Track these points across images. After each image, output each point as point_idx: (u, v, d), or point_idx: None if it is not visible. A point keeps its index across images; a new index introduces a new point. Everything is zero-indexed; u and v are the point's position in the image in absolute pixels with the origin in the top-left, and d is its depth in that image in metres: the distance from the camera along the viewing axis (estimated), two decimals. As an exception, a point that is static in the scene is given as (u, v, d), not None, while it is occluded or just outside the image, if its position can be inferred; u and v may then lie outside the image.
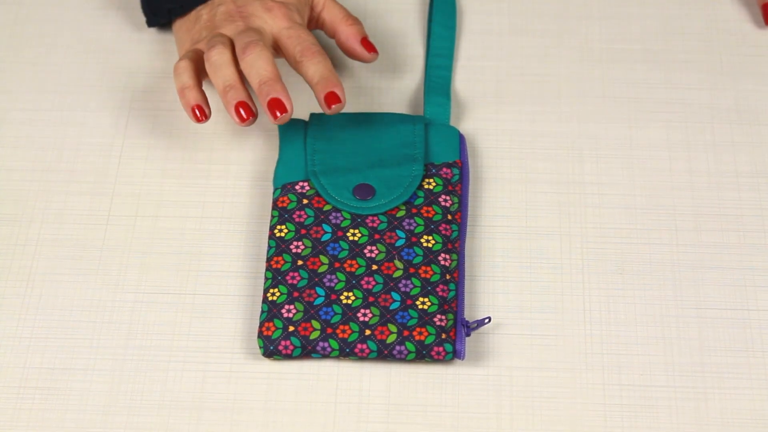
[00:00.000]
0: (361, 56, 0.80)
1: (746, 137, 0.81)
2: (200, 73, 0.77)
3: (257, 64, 0.73)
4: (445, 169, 0.77)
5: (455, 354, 0.70)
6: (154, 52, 0.85)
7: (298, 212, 0.75)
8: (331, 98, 0.74)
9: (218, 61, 0.74)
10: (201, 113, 0.75)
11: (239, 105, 0.74)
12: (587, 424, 0.69)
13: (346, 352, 0.70)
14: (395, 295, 0.71)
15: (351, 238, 0.74)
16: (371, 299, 0.71)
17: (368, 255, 0.73)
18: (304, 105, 0.83)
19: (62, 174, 0.79)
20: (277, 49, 0.78)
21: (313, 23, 0.82)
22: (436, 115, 0.80)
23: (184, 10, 0.81)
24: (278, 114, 0.73)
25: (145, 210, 0.78)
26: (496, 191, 0.78)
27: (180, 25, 0.81)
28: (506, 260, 0.75)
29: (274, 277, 0.72)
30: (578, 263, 0.75)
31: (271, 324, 0.71)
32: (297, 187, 0.76)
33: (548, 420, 0.69)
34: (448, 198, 0.75)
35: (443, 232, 0.74)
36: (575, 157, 0.80)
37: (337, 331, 0.70)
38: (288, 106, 0.73)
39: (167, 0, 0.81)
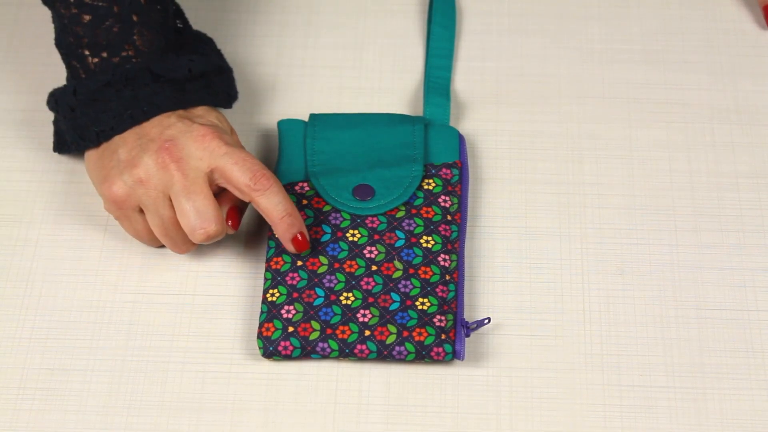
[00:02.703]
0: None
1: (746, 137, 0.81)
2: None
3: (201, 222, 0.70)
4: (444, 170, 0.77)
5: (455, 354, 0.70)
6: (154, 52, 0.85)
7: (297, 213, 0.75)
8: (304, 241, 0.72)
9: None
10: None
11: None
12: (587, 424, 0.69)
13: (346, 352, 0.70)
14: (395, 296, 0.71)
15: (350, 239, 0.74)
16: (371, 300, 0.71)
17: (368, 255, 0.73)
18: (304, 105, 0.83)
19: (62, 174, 0.79)
20: (215, 180, 0.71)
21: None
22: (436, 116, 0.80)
23: (115, 132, 0.73)
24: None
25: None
26: (496, 191, 0.78)
27: (91, 154, 0.74)
28: (506, 260, 0.75)
29: (274, 277, 0.72)
30: (578, 263, 0.75)
31: (270, 324, 0.71)
32: (296, 188, 0.76)
33: (548, 420, 0.69)
34: (447, 198, 0.75)
35: (443, 232, 0.74)
36: (575, 157, 0.80)
37: (337, 331, 0.70)
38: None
39: (95, 122, 0.73)
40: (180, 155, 0.70)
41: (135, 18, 0.73)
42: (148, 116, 0.72)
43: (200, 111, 0.74)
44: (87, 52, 0.73)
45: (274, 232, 0.72)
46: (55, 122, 0.77)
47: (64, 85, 0.74)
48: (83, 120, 0.73)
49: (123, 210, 0.72)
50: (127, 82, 0.73)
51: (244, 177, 0.70)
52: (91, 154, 0.74)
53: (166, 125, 0.72)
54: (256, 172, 0.70)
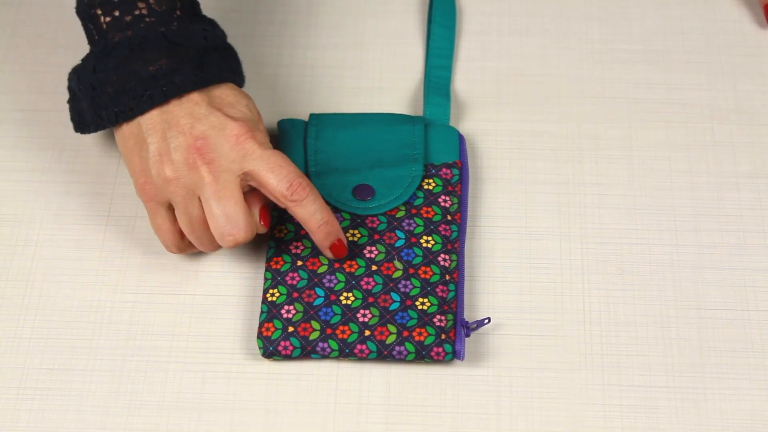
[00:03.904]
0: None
1: (746, 137, 0.81)
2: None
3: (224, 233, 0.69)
4: (444, 170, 0.77)
5: (455, 354, 0.70)
6: (154, 52, 0.85)
7: (297, 212, 0.75)
8: (342, 248, 0.71)
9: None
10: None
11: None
12: (587, 424, 0.69)
13: (346, 352, 0.70)
14: (395, 296, 0.71)
15: (351, 239, 0.74)
16: (371, 300, 0.71)
17: (368, 255, 0.73)
18: (304, 105, 0.83)
19: (62, 174, 0.79)
20: (247, 181, 0.70)
21: None
22: (436, 116, 0.80)
23: (135, 113, 0.70)
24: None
25: (145, 210, 0.77)
26: (496, 191, 0.78)
27: (124, 139, 0.71)
28: (506, 260, 0.75)
29: (274, 277, 0.72)
30: (578, 263, 0.75)
31: (270, 324, 0.71)
32: (297, 188, 0.76)
33: (548, 420, 0.69)
34: (447, 198, 0.75)
35: (443, 232, 0.74)
36: (575, 157, 0.80)
37: (337, 331, 0.70)
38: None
39: (114, 102, 0.70)
40: (212, 156, 0.68)
41: None
42: (168, 96, 0.69)
43: (228, 95, 0.71)
44: (99, 12, 0.71)
45: (313, 240, 0.71)
46: (72, 101, 0.73)
47: (84, 60, 0.72)
48: (104, 99, 0.70)
49: (152, 203, 0.71)
50: (141, 46, 0.69)
51: (281, 186, 0.68)
52: (124, 139, 0.71)
53: (196, 116, 0.69)
54: (292, 181, 0.68)
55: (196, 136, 0.68)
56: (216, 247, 0.72)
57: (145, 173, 0.70)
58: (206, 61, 0.71)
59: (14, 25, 0.87)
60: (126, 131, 0.71)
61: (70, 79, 0.73)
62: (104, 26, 0.71)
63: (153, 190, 0.70)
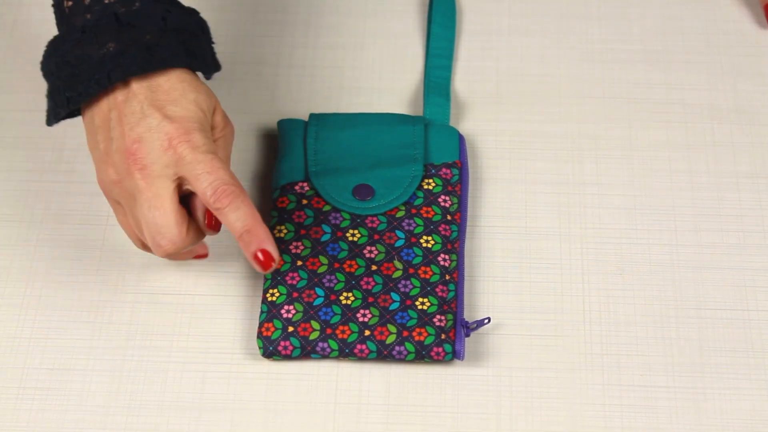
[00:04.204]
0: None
1: (746, 137, 0.81)
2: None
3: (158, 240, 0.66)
4: (444, 170, 0.77)
5: (455, 354, 0.70)
6: (154, 52, 0.85)
7: (297, 213, 0.75)
8: (265, 259, 0.66)
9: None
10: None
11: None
12: (587, 424, 0.69)
13: (346, 352, 0.70)
14: (395, 296, 0.71)
15: (350, 239, 0.74)
16: (371, 300, 0.71)
17: (368, 255, 0.73)
18: (304, 105, 0.83)
19: (62, 174, 0.79)
20: (185, 186, 0.67)
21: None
22: (436, 116, 0.80)
23: (82, 97, 0.67)
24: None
25: (145, 210, 0.78)
26: (496, 191, 0.78)
27: (87, 130, 0.69)
28: (506, 260, 0.75)
29: (274, 277, 0.72)
30: (578, 264, 0.75)
31: (270, 324, 0.71)
32: (296, 188, 0.76)
33: (548, 420, 0.69)
34: (447, 198, 0.75)
35: (443, 232, 0.74)
36: (575, 157, 0.80)
37: (337, 331, 0.70)
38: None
39: (67, 87, 0.67)
40: (144, 162, 0.65)
41: None
42: (113, 81, 0.66)
43: (175, 89, 0.67)
44: None
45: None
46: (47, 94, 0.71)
47: (46, 46, 0.69)
48: (58, 84, 0.68)
49: (109, 200, 0.69)
50: (94, 29, 0.67)
51: (206, 193, 0.65)
52: (88, 134, 0.69)
53: (137, 116, 0.66)
54: (217, 188, 0.65)
55: (133, 139, 0.65)
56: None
57: (98, 169, 0.68)
58: (160, 43, 0.67)
59: (14, 25, 0.87)
60: (87, 125, 0.68)
61: (42, 67, 0.70)
62: (66, 11, 0.69)
63: (105, 188, 0.68)
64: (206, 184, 0.65)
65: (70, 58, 0.67)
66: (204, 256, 0.74)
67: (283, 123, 0.79)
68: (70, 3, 0.68)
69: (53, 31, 0.86)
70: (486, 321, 0.71)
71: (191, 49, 0.69)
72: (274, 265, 0.66)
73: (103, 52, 0.66)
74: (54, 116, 0.69)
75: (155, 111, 0.66)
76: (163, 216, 0.65)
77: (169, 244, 0.66)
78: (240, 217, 0.65)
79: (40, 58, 0.85)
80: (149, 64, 0.66)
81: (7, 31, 0.87)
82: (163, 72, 0.67)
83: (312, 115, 0.80)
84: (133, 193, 0.66)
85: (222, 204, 0.65)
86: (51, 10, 0.88)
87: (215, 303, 0.74)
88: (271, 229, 0.75)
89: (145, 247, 0.70)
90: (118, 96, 0.67)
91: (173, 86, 0.67)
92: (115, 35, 0.67)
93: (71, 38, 0.67)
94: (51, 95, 0.68)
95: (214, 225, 0.68)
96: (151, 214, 0.65)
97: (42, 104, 0.82)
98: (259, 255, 0.66)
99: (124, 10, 0.67)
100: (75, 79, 0.67)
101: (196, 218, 0.68)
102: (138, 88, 0.67)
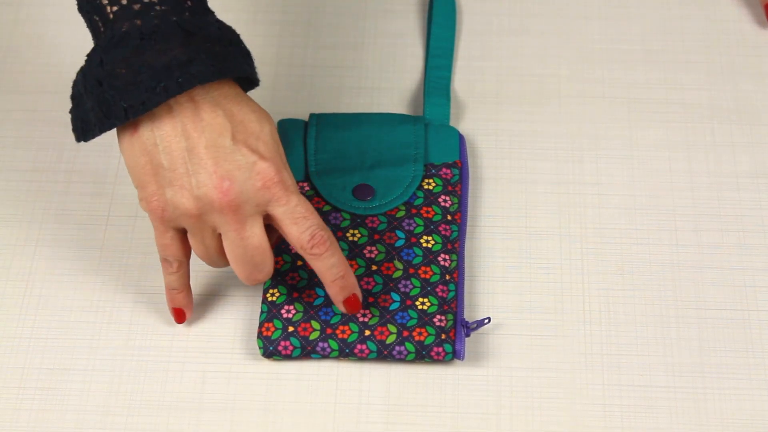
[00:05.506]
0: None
1: (746, 137, 0.81)
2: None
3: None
4: (444, 170, 0.77)
5: (455, 354, 0.70)
6: (154, 52, 0.85)
7: (297, 212, 0.75)
8: (356, 304, 0.69)
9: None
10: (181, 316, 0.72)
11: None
12: (587, 424, 0.69)
13: (346, 352, 0.70)
14: (395, 296, 0.71)
15: (350, 239, 0.74)
16: (371, 299, 0.71)
17: (368, 255, 0.73)
18: (304, 105, 0.83)
19: (62, 174, 0.79)
20: (267, 219, 0.67)
21: None
22: (436, 116, 0.80)
23: (146, 107, 0.64)
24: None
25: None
26: (496, 191, 0.78)
27: (130, 145, 0.66)
28: (506, 260, 0.75)
29: (274, 277, 0.72)
30: (578, 263, 0.75)
31: (270, 324, 0.71)
32: (297, 188, 0.76)
33: (548, 420, 0.69)
34: (447, 198, 0.75)
35: (443, 232, 0.74)
36: (575, 157, 0.80)
37: (337, 331, 0.70)
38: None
39: (123, 96, 0.64)
40: (238, 202, 0.64)
41: None
42: (184, 88, 0.63)
43: (251, 120, 0.66)
44: (105, 1, 0.65)
45: (327, 292, 0.70)
46: (75, 109, 0.67)
47: (89, 56, 0.65)
48: (111, 93, 0.64)
49: (159, 224, 0.67)
50: (154, 35, 0.64)
51: (302, 238, 0.66)
52: (134, 155, 0.66)
53: (220, 150, 0.64)
54: (314, 234, 0.66)
55: (222, 176, 0.64)
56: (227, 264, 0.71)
57: (159, 196, 0.66)
58: (223, 52, 0.66)
59: (14, 25, 0.87)
60: (137, 146, 0.65)
61: (75, 84, 0.67)
62: (111, 16, 0.65)
63: (165, 214, 0.66)
64: (303, 228, 0.66)
65: (126, 66, 0.64)
66: None
67: (283, 123, 0.79)
68: (115, 8, 0.65)
69: (54, 31, 0.86)
70: (486, 321, 0.71)
71: (248, 60, 0.68)
72: (361, 310, 0.71)
73: (168, 59, 0.64)
74: (99, 129, 0.65)
75: (242, 146, 0.65)
76: (261, 255, 0.67)
77: (265, 277, 0.68)
78: (335, 263, 0.67)
79: (40, 58, 0.85)
80: (220, 71, 0.65)
81: (7, 31, 0.87)
82: (220, 85, 0.66)
83: (312, 115, 0.80)
84: (216, 227, 0.66)
85: (319, 251, 0.67)
86: (51, 9, 0.88)
87: (215, 303, 0.74)
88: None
89: (213, 264, 0.70)
90: (186, 111, 0.65)
91: (248, 118, 0.66)
92: (180, 41, 0.64)
93: (126, 45, 0.64)
94: (100, 107, 0.65)
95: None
96: (248, 253, 0.66)
97: (42, 104, 0.82)
98: (351, 300, 0.69)
99: (177, 19, 0.65)
100: (135, 88, 0.64)
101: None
102: (213, 112, 0.65)
